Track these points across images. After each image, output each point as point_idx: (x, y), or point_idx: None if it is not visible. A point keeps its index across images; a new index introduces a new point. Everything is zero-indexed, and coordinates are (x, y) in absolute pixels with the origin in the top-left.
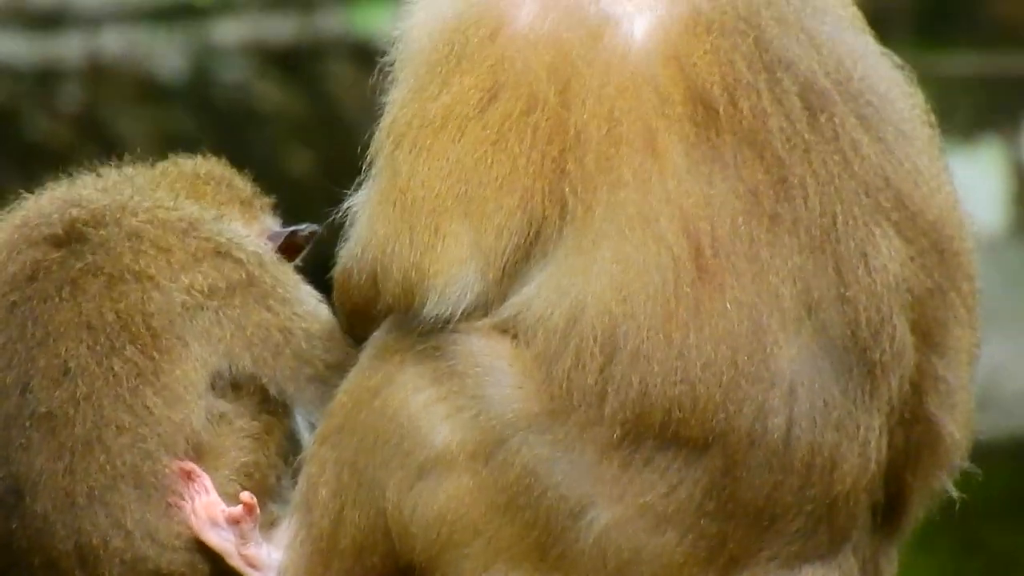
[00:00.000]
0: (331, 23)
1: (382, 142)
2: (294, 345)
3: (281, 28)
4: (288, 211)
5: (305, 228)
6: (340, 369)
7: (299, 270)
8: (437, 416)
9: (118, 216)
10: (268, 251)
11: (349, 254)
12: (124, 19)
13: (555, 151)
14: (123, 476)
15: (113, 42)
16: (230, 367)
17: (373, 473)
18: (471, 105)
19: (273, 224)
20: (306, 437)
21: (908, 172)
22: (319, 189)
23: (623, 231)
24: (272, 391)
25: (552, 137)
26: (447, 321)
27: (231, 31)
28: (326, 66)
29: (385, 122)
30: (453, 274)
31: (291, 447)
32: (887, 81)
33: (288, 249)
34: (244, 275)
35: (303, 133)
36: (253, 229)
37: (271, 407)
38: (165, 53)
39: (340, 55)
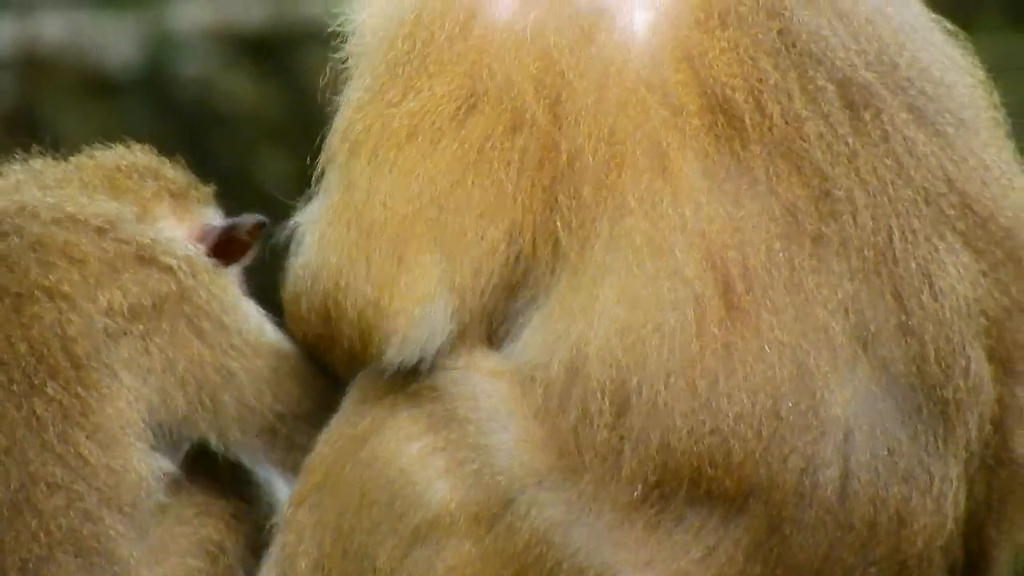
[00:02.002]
0: (310, 5)
1: (335, 149)
2: (235, 389)
3: (251, 11)
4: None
5: (247, 220)
6: (298, 419)
7: (247, 275)
8: (434, 470)
9: (19, 223)
10: (202, 255)
11: (297, 278)
12: (65, 0)
13: (545, 179)
14: (60, 543)
15: (53, 27)
16: (164, 407)
17: (361, 540)
18: (444, 115)
19: (214, 219)
20: (282, 493)
21: (973, 169)
22: (296, 198)
23: (629, 266)
24: (213, 443)
25: (542, 163)
26: (413, 369)
27: (193, 15)
28: (304, 56)
29: (338, 126)
30: (418, 314)
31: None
32: (942, 61)
33: (231, 248)
34: (174, 287)
35: (277, 134)
36: (186, 226)
37: (231, 471)
38: (114, 40)
39: (320, 43)
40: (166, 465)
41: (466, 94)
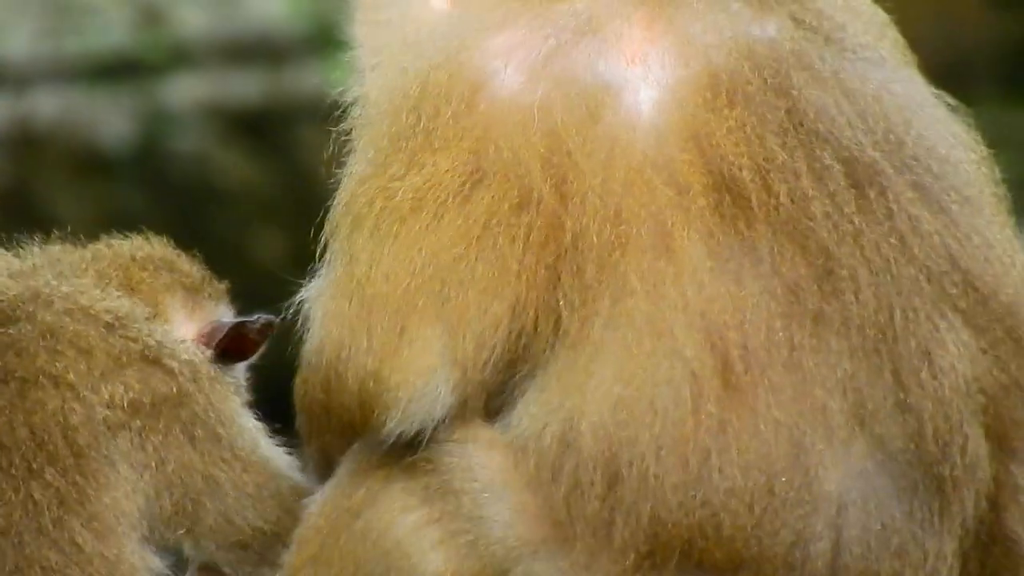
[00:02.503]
0: (304, 81)
1: (337, 223)
2: (219, 500)
3: (245, 87)
4: (254, 302)
5: (257, 320)
6: (274, 537)
7: (255, 373)
8: (429, 541)
9: (32, 309)
10: (206, 362)
11: (305, 352)
12: (59, 76)
13: (549, 257)
14: None
15: (46, 104)
16: (153, 505)
17: None
18: (449, 190)
19: (225, 315)
20: None
21: (977, 248)
22: (294, 278)
23: (628, 345)
24: (186, 550)
25: (547, 240)
26: (413, 441)
27: (186, 91)
28: (299, 132)
29: (341, 199)
30: (419, 386)
31: None
32: (947, 138)
33: (239, 346)
34: (174, 389)
35: (272, 212)
36: (196, 321)
37: None
38: (108, 117)
39: (316, 119)
40: (156, 564)
41: (471, 170)
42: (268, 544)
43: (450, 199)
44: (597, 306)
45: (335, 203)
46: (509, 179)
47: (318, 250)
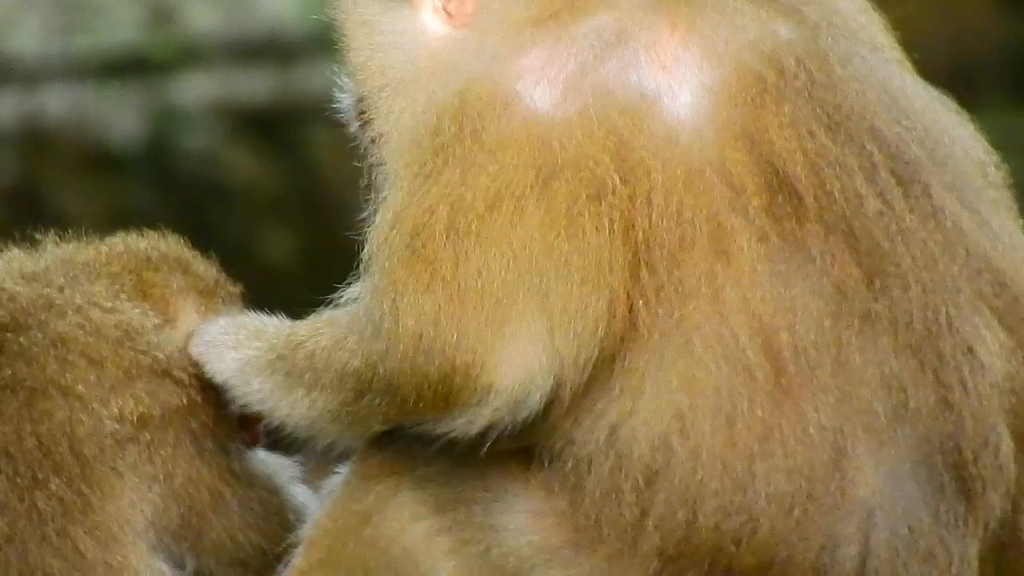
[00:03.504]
0: (313, 80)
1: (384, 238)
2: (224, 516)
3: (255, 86)
4: (263, 302)
5: None
6: (272, 556)
7: None
8: (439, 551)
9: (43, 318)
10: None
11: (362, 345)
12: (68, 74)
13: (630, 252)
14: None
15: (55, 102)
16: (162, 517)
17: None
18: (524, 184)
19: None
20: None
21: (1007, 248)
22: (301, 275)
23: (691, 349)
24: (187, 566)
25: (627, 234)
26: (476, 440)
27: (195, 89)
28: (307, 131)
29: (382, 222)
30: (518, 384)
31: None
32: (967, 142)
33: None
34: (184, 400)
35: (281, 210)
36: None
37: None
38: (118, 115)
39: (323, 118)
40: (166, 570)
41: (540, 163)
42: (266, 564)
43: (528, 191)
44: (664, 308)
45: (375, 227)
46: (581, 171)
47: (325, 249)
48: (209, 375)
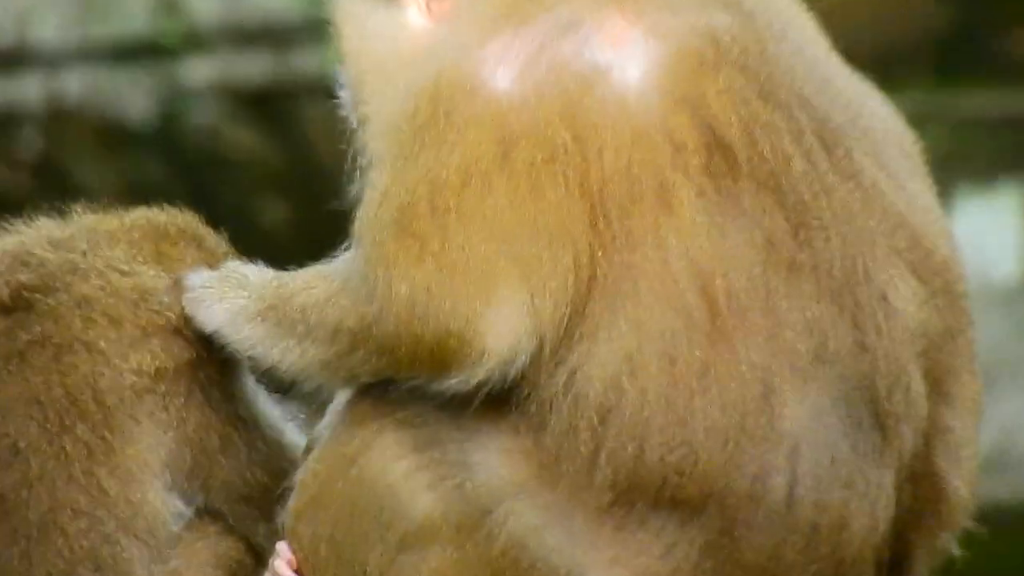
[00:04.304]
0: (307, 62)
1: (373, 214)
2: (232, 457)
3: (253, 68)
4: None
5: None
6: (272, 495)
7: None
8: (419, 485)
9: (68, 281)
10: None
11: (355, 309)
12: (86, 59)
13: (586, 206)
14: (82, 561)
15: (74, 84)
16: (176, 459)
17: (352, 548)
18: (487, 158)
19: None
20: None
21: (920, 209)
22: (296, 242)
23: (638, 294)
24: (199, 500)
25: (582, 189)
26: (466, 397)
27: (200, 71)
28: (302, 109)
29: (373, 200)
30: (507, 347)
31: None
32: (887, 117)
33: None
34: (193, 355)
35: (277, 181)
36: None
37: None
38: (131, 95)
39: (317, 97)
40: (180, 506)
41: (500, 136)
42: (268, 500)
43: (491, 165)
44: (616, 256)
45: (366, 206)
46: (536, 136)
47: (316, 217)
48: (199, 325)
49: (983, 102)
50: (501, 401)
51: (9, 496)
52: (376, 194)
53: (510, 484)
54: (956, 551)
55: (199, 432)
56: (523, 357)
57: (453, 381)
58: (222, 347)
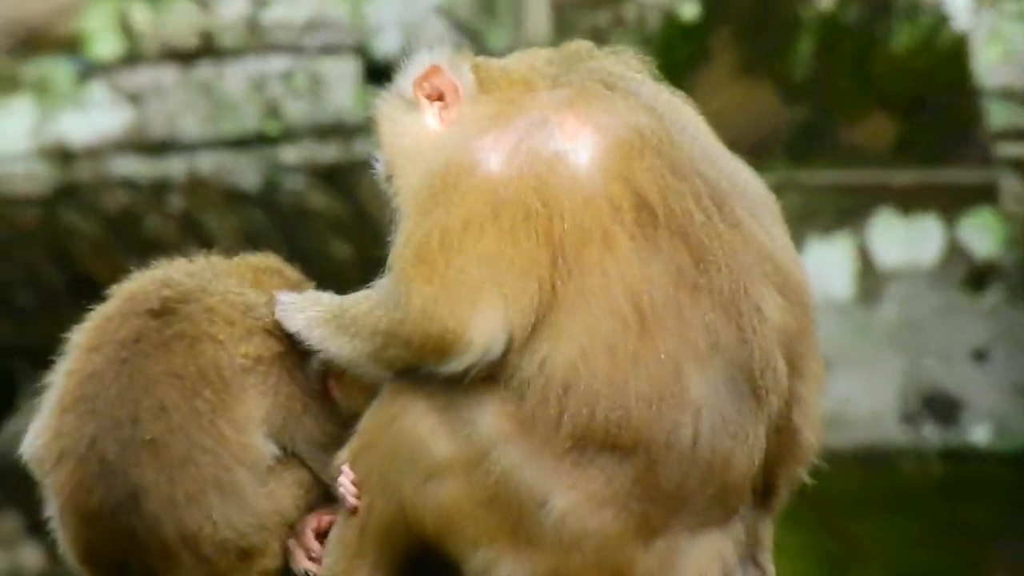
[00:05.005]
0: (364, 147)
1: (401, 250)
2: (309, 417)
3: (328, 152)
4: (328, 288)
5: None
6: (335, 439)
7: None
8: (439, 436)
9: (199, 296)
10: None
11: (387, 316)
12: (215, 146)
13: (550, 250)
14: (209, 483)
15: (206, 163)
16: (271, 418)
17: (393, 477)
18: (484, 214)
19: None
20: None
21: (780, 248)
22: (353, 272)
23: (589, 307)
24: (289, 448)
25: (548, 240)
26: (462, 375)
27: (292, 154)
28: (359, 180)
29: (401, 240)
30: (487, 341)
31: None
32: (756, 185)
33: None
34: (281, 349)
35: (342, 231)
36: None
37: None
38: (245, 171)
39: (369, 171)
40: (274, 449)
41: (493, 200)
42: (335, 447)
43: (485, 219)
44: (572, 283)
45: (396, 243)
46: (516, 202)
47: (367, 255)
48: (286, 328)
49: (824, 175)
50: (494, 380)
51: (159, 439)
52: (402, 237)
53: (500, 435)
54: (807, 480)
55: (286, 400)
56: (497, 349)
57: (451, 365)
58: (301, 343)
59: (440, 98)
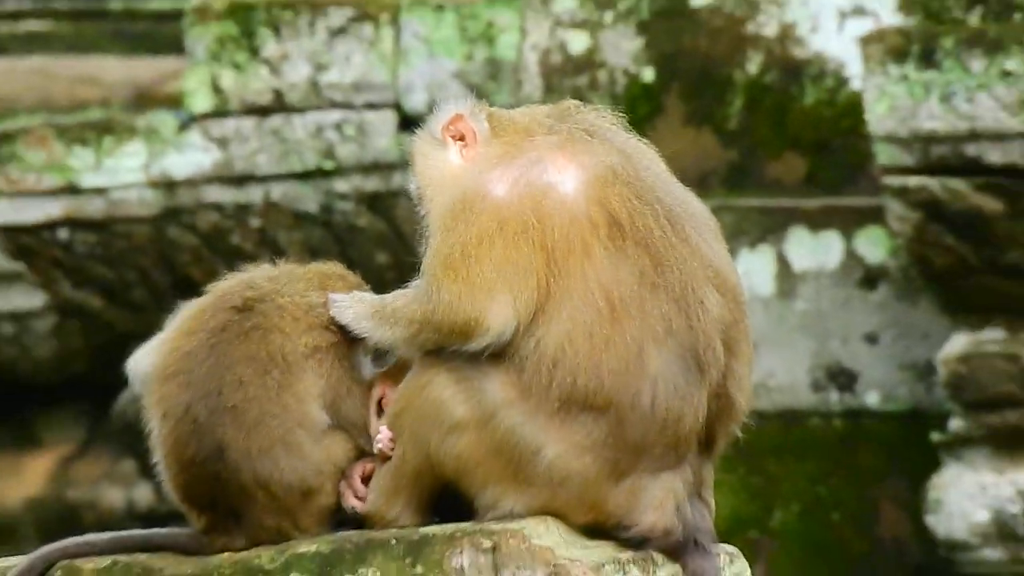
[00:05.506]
0: (399, 180)
1: (431, 260)
2: (353, 397)
3: (372, 183)
4: (375, 289)
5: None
6: (364, 419)
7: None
8: (457, 401)
9: (273, 297)
10: (350, 329)
11: (420, 308)
12: (284, 178)
13: (545, 256)
14: (277, 440)
15: (278, 192)
16: (323, 395)
17: (422, 432)
18: (492, 229)
19: None
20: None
21: (720, 257)
22: (392, 276)
23: (573, 300)
24: (335, 418)
25: (541, 248)
26: (479, 353)
27: (345, 185)
28: (395, 205)
29: (430, 253)
30: (501, 327)
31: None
32: (701, 208)
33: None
34: (335, 341)
35: (384, 243)
36: None
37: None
38: (308, 199)
39: (405, 197)
40: (326, 419)
41: (499, 219)
42: (366, 424)
43: (494, 234)
44: (559, 282)
45: (426, 256)
46: (516, 220)
47: (404, 262)
48: (339, 322)
49: (751, 201)
50: (500, 356)
51: (238, 406)
52: (432, 248)
53: (504, 400)
54: (740, 434)
55: (337, 382)
56: (508, 332)
57: (471, 345)
58: (351, 334)
59: (462, 139)
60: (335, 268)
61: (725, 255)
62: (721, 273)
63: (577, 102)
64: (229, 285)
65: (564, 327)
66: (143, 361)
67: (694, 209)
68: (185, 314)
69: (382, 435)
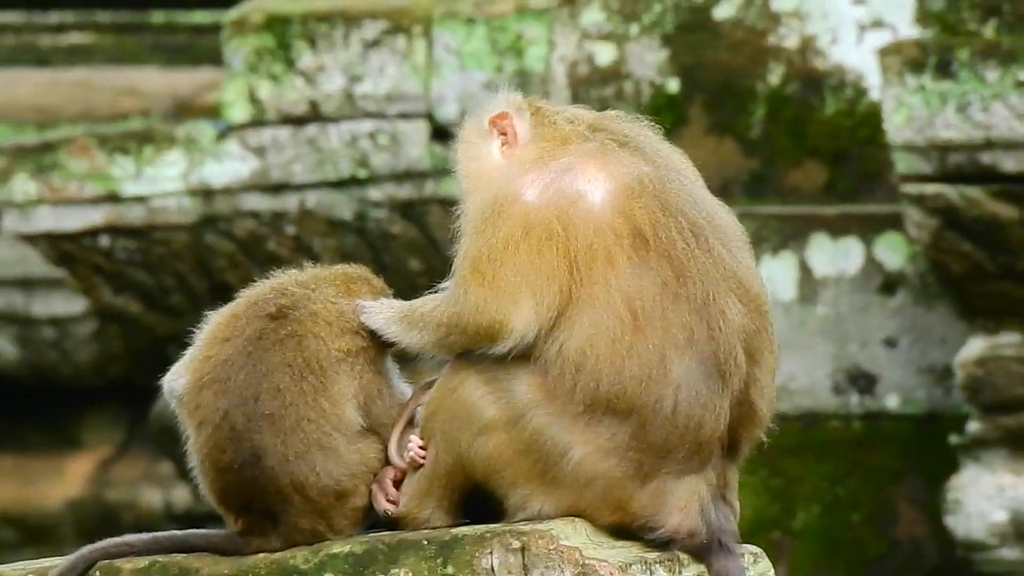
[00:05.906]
0: (431, 189)
1: (461, 262)
2: (382, 399)
3: (406, 191)
4: (402, 295)
5: None
6: (393, 420)
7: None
8: (487, 403)
9: (306, 303)
10: (380, 334)
11: (447, 311)
12: (319, 186)
13: (568, 263)
14: (313, 444)
15: (313, 199)
16: (356, 398)
17: (453, 433)
18: (518, 235)
19: None
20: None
21: (744, 267)
22: (423, 280)
23: (595, 307)
24: (364, 424)
25: (565, 255)
26: (504, 355)
27: (377, 193)
28: (427, 212)
29: (460, 253)
30: (524, 330)
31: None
32: (728, 219)
33: None
34: (365, 345)
35: (416, 249)
36: None
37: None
38: (341, 207)
39: (435, 204)
40: (360, 420)
41: (524, 224)
42: (393, 425)
43: (520, 239)
44: (583, 289)
45: (457, 256)
46: (542, 228)
47: (434, 267)
48: (369, 327)
49: (772, 209)
50: (526, 359)
51: (275, 413)
52: (462, 252)
53: (532, 401)
54: (763, 439)
55: (368, 384)
56: (531, 335)
57: (497, 347)
58: (381, 338)
59: (505, 134)
60: (360, 271)
61: (750, 265)
62: (744, 283)
63: (620, 112)
64: (260, 292)
65: (586, 333)
66: (178, 380)
67: (720, 220)
68: (218, 321)
69: (413, 443)
